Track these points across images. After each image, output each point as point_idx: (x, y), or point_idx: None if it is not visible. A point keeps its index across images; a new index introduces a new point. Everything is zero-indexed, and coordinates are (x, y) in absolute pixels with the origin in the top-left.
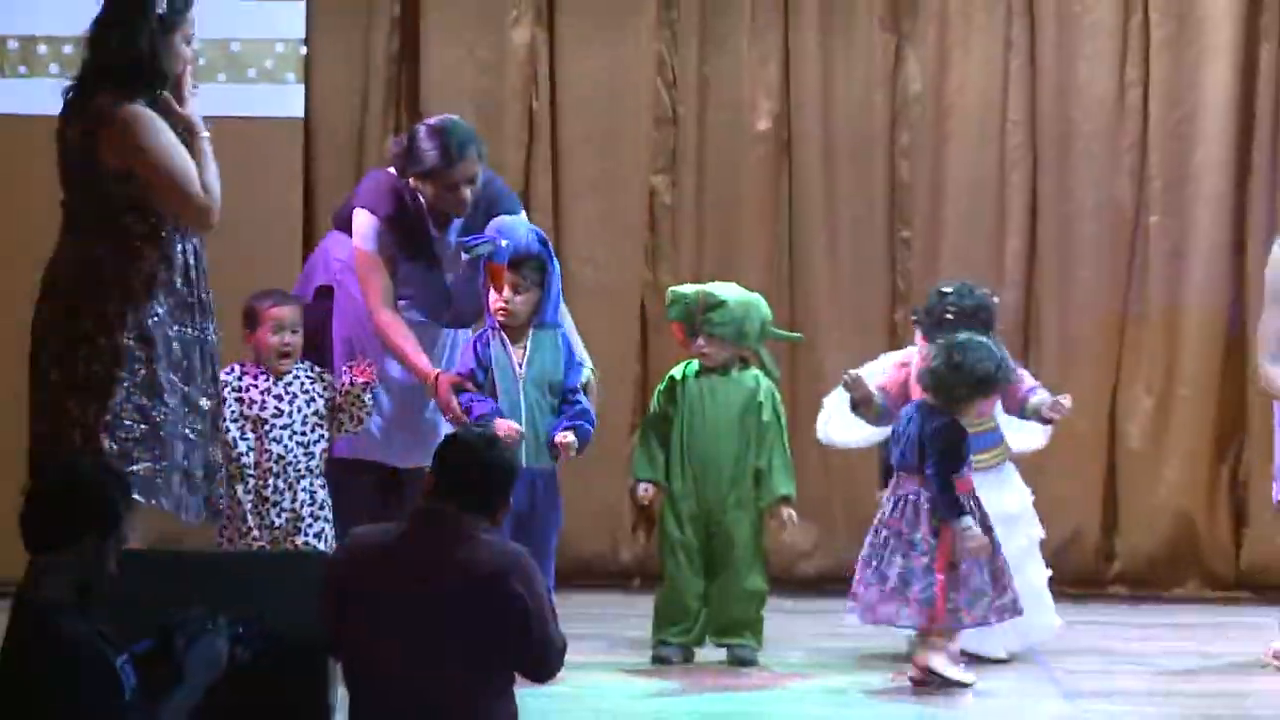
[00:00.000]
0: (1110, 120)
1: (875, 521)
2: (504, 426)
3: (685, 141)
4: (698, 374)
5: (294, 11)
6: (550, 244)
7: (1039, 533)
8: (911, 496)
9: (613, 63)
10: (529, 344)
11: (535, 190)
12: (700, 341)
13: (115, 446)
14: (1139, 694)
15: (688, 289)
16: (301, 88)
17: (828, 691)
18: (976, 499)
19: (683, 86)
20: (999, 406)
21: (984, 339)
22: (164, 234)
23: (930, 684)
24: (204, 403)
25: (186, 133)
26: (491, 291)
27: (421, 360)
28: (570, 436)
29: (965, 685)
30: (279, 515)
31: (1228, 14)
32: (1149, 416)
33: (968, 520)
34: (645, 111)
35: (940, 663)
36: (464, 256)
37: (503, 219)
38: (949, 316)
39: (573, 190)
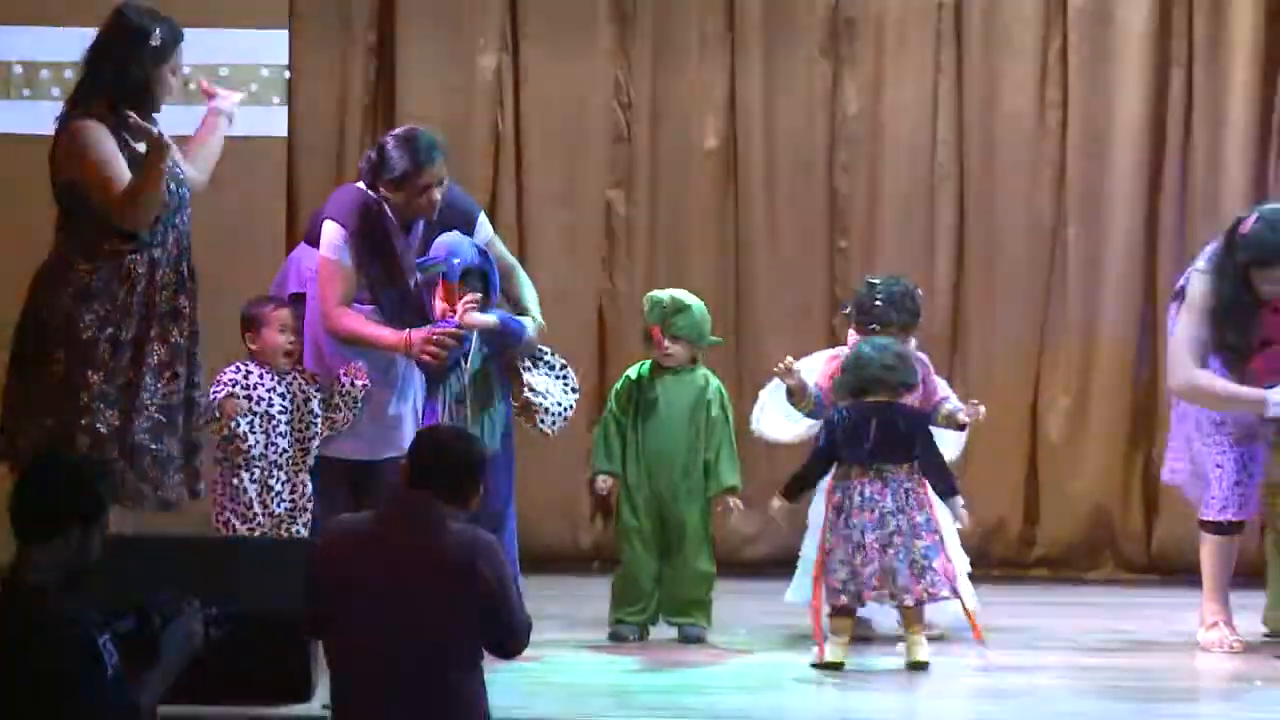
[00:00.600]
0: (1031, 139)
1: (873, 515)
2: (475, 320)
3: (639, 159)
4: (652, 373)
5: (278, 39)
6: (490, 255)
7: (955, 523)
8: (906, 483)
9: (572, 86)
10: (473, 343)
11: (501, 203)
12: (665, 342)
13: (24, 441)
14: (1056, 668)
15: (663, 294)
16: (285, 109)
17: (771, 667)
18: None
19: (637, 108)
20: None
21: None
22: (107, 246)
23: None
24: (140, 402)
25: (152, 149)
26: (436, 301)
27: (385, 331)
28: (488, 317)
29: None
30: (279, 504)
31: (1141, 40)
32: (1067, 413)
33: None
34: (602, 131)
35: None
36: (419, 276)
37: (447, 237)
38: (878, 303)
39: (536, 204)
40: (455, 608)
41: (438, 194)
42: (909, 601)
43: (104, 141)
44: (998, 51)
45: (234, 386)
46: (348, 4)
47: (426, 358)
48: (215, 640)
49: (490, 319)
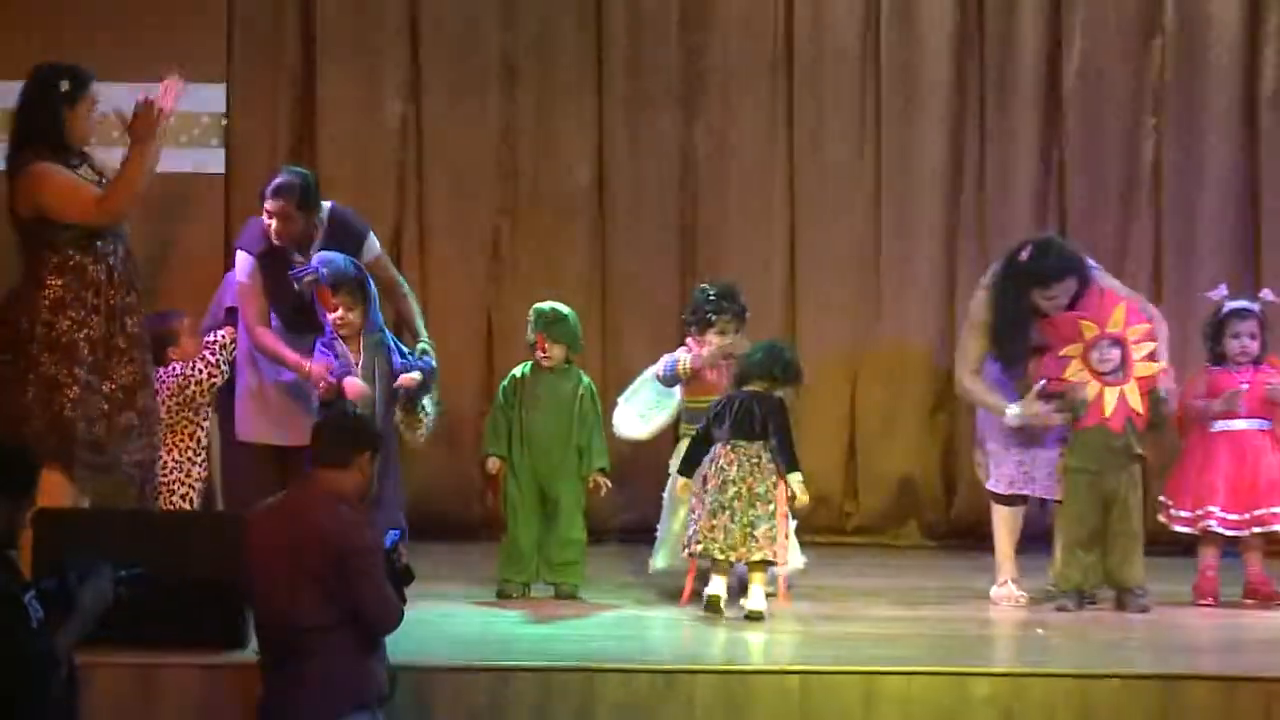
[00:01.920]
0: (852, 178)
1: (718, 481)
2: (353, 387)
3: (522, 192)
4: (533, 371)
5: (217, 91)
6: (363, 268)
7: (796, 497)
8: (755, 458)
9: (466, 130)
10: (362, 347)
11: (405, 228)
12: (546, 345)
13: (28, 433)
14: (871, 619)
15: (545, 306)
16: (223, 150)
17: (633, 617)
18: None
19: (520, 149)
20: None
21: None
22: (74, 261)
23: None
24: (106, 386)
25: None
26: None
27: (294, 356)
28: (413, 375)
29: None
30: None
31: (941, 91)
32: (881, 404)
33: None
34: (491, 169)
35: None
36: (295, 285)
37: (324, 253)
38: (711, 298)
39: (435, 229)
40: (326, 578)
41: (275, 224)
42: (733, 559)
43: (61, 173)
44: (823, 103)
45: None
46: (276, 60)
47: (319, 391)
48: (123, 598)
49: (417, 378)
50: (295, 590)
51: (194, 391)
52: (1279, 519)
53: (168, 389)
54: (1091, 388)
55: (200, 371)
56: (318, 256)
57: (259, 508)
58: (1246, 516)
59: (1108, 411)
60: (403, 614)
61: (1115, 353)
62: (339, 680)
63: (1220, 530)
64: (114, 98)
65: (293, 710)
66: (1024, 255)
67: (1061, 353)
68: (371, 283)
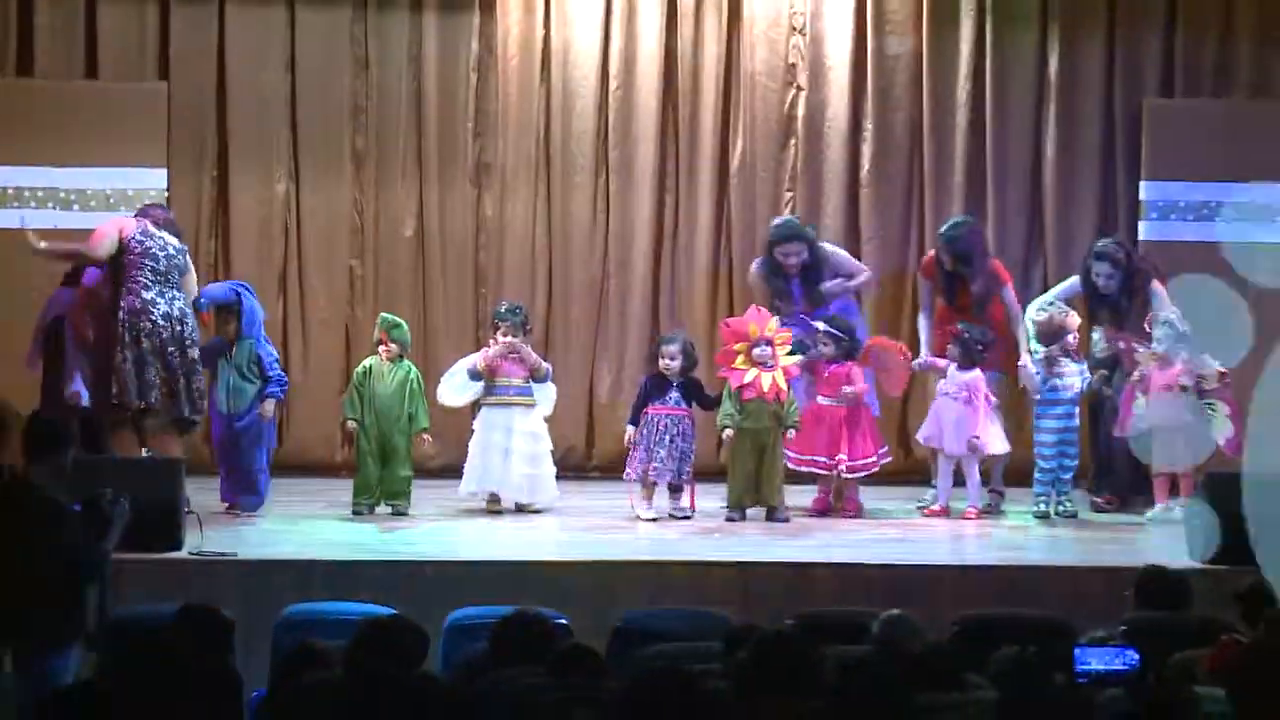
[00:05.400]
0: (586, 236)
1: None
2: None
3: (368, 241)
4: (376, 362)
5: (160, 173)
6: (247, 291)
7: (549, 444)
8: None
9: (329, 201)
10: (234, 349)
11: (289, 270)
12: (388, 342)
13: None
14: (604, 528)
15: (388, 316)
16: None
17: (447, 528)
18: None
19: (366, 214)
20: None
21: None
22: None
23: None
24: None
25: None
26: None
27: None
28: (268, 406)
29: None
30: None
31: (649, 176)
32: (610, 383)
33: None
34: (346, 226)
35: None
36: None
37: (208, 288)
38: (499, 311)
39: (309, 268)
40: None
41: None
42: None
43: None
44: (568, 182)
45: None
46: (199, 153)
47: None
48: (127, 513)
49: (271, 409)
50: None
51: None
52: (835, 465)
53: None
54: (751, 373)
55: None
56: (203, 291)
57: None
58: (830, 460)
59: (765, 388)
60: None
61: (769, 350)
62: None
63: (816, 470)
64: (82, 179)
65: None
66: (770, 231)
67: (734, 347)
68: (245, 301)
